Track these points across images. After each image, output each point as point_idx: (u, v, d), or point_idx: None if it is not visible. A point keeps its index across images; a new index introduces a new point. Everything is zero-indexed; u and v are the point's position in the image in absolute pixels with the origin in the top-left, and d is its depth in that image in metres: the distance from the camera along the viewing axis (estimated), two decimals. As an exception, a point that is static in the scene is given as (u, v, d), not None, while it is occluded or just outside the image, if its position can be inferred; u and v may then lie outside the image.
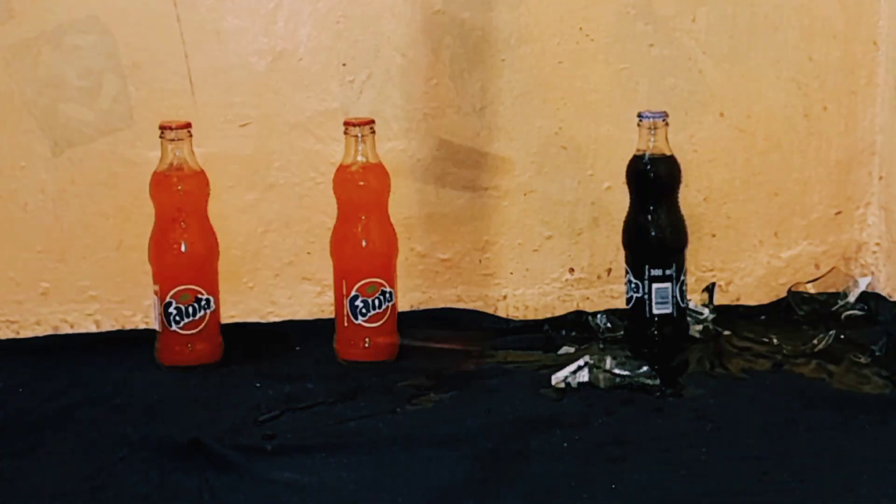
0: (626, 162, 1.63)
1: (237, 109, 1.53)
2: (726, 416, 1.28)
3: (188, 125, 1.43)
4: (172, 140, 1.42)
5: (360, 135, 1.43)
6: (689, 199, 1.65)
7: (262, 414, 1.29)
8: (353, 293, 1.44)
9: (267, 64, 1.53)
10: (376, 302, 1.44)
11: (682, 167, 1.48)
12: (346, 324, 1.45)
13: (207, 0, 1.51)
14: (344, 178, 1.45)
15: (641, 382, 1.35)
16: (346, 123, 1.44)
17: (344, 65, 1.55)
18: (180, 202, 1.43)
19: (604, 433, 1.24)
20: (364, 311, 1.44)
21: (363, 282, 1.44)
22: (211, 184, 1.46)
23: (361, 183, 1.45)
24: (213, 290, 1.46)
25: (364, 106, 1.55)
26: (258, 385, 1.39)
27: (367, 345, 1.46)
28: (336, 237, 1.47)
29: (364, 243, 1.45)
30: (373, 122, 1.44)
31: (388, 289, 1.45)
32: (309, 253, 1.58)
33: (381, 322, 1.45)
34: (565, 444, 1.21)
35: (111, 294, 1.55)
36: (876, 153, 1.69)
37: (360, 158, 1.44)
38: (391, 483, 1.13)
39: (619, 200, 1.64)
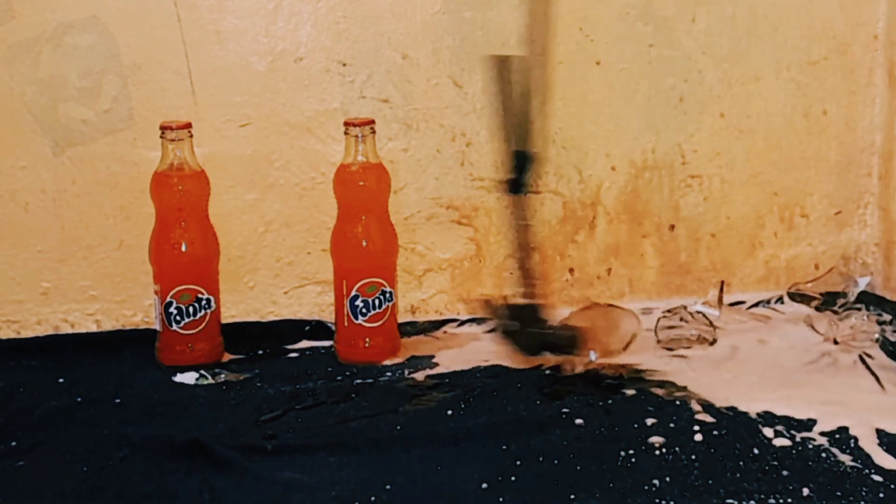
0: (627, 162, 1.64)
1: (237, 109, 1.53)
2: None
3: (188, 125, 1.43)
4: (173, 140, 1.42)
5: (360, 135, 1.43)
6: (689, 199, 1.66)
7: (262, 414, 1.29)
8: (353, 293, 1.44)
9: (267, 64, 1.53)
10: (376, 302, 1.44)
11: (678, 169, 1.48)
12: (346, 323, 1.46)
13: (207, 0, 1.51)
14: (344, 178, 1.45)
15: None
16: (346, 123, 1.44)
17: (344, 65, 1.55)
18: (181, 202, 1.43)
19: (604, 433, 1.24)
20: (364, 311, 1.44)
21: (363, 282, 1.44)
22: (211, 184, 1.46)
23: (362, 183, 1.45)
24: (214, 290, 1.46)
25: (364, 106, 1.55)
26: (258, 385, 1.39)
27: (367, 345, 1.46)
28: (336, 237, 1.47)
29: (364, 243, 1.45)
30: (373, 122, 1.44)
31: (388, 289, 1.45)
32: (309, 253, 1.58)
33: (381, 322, 1.45)
34: (565, 444, 1.21)
35: (112, 294, 1.55)
36: (875, 153, 1.69)
37: (360, 158, 1.44)
38: (391, 483, 1.13)
39: (620, 200, 1.64)
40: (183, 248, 1.43)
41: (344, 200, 1.46)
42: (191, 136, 1.43)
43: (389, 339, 1.48)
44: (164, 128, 1.42)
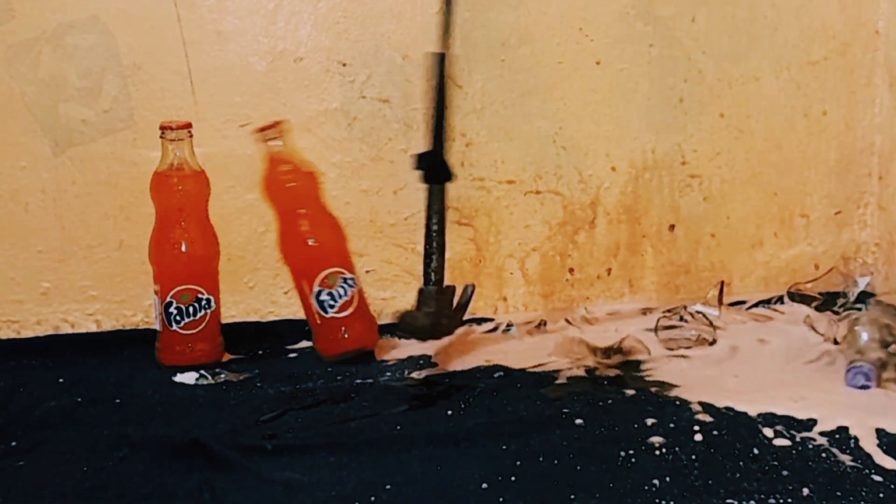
0: (627, 162, 1.64)
1: (237, 109, 1.53)
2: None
3: (188, 125, 1.43)
4: (173, 140, 1.42)
5: (273, 138, 1.43)
6: (689, 199, 1.66)
7: (262, 414, 1.29)
8: (316, 288, 1.44)
9: (267, 64, 1.53)
10: (341, 291, 1.44)
11: (678, 169, 1.48)
12: (318, 321, 1.45)
13: (207, 0, 1.51)
14: (274, 182, 1.45)
15: None
16: (258, 129, 1.44)
17: (344, 65, 1.55)
18: (181, 202, 1.43)
19: (604, 433, 1.24)
20: (332, 303, 1.44)
21: (323, 274, 1.43)
22: (211, 184, 1.46)
23: (291, 184, 1.45)
24: (214, 290, 1.46)
25: (364, 106, 1.55)
26: (258, 385, 1.39)
27: (345, 335, 1.45)
28: (283, 241, 1.46)
29: (311, 241, 1.45)
30: (281, 122, 1.44)
31: (348, 276, 1.45)
32: (309, 253, 1.58)
33: (351, 310, 1.45)
34: (565, 444, 1.21)
35: (112, 294, 1.55)
36: (875, 153, 1.69)
37: (285, 160, 1.44)
38: (391, 483, 1.13)
39: (620, 200, 1.64)
40: (183, 248, 1.43)
41: (279, 204, 1.45)
42: (191, 136, 1.43)
43: (367, 325, 1.47)
44: (164, 128, 1.42)
